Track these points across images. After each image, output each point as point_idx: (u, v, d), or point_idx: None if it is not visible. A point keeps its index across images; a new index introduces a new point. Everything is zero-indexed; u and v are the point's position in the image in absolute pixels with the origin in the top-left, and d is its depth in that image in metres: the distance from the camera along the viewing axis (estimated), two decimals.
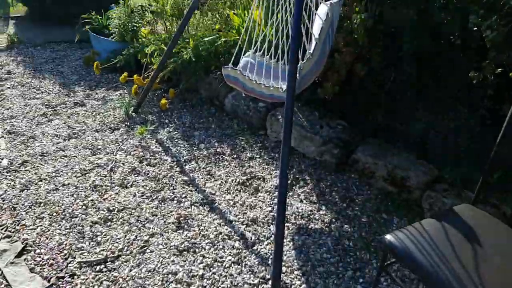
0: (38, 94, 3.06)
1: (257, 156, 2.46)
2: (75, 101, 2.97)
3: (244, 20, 2.91)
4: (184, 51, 2.99)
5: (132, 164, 2.31)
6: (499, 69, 2.03)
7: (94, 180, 2.15)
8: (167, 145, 2.52)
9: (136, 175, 2.22)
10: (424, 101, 2.51)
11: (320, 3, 1.92)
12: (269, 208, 2.03)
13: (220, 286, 1.61)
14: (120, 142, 2.52)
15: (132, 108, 2.88)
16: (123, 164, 2.30)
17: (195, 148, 2.50)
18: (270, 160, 2.43)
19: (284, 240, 1.68)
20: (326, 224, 1.97)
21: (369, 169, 2.24)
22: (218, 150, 2.50)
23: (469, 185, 2.15)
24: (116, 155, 2.38)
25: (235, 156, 2.45)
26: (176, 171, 2.27)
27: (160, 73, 2.79)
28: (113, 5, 3.81)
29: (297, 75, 1.80)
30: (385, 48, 2.44)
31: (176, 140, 2.58)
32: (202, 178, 2.24)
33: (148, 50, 3.04)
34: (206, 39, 3.08)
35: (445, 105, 2.47)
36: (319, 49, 1.76)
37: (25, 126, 2.62)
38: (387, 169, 2.16)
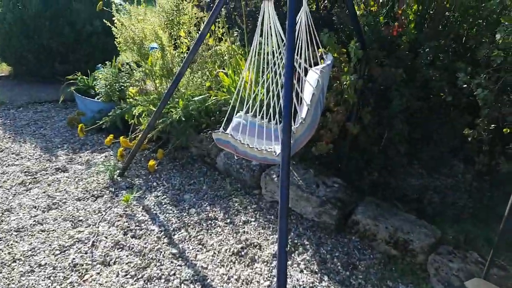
0: (17, 160, 2.96)
1: (252, 220, 2.35)
2: (57, 166, 2.88)
3: (234, 80, 2.94)
4: (174, 111, 2.98)
5: (116, 237, 2.17)
6: (492, 125, 2.04)
7: (74, 258, 2.00)
8: (154, 212, 2.41)
9: (120, 249, 2.08)
10: (418, 158, 2.49)
11: (309, 70, 1.94)
12: (267, 283, 1.89)
13: None
14: (103, 211, 2.40)
15: (118, 172, 2.79)
16: (106, 237, 2.17)
17: (185, 214, 2.39)
18: (266, 224, 2.32)
19: None
20: None
21: (370, 231, 2.15)
22: (210, 214, 2.39)
23: (472, 242, 2.08)
24: (98, 227, 2.25)
25: (228, 220, 2.34)
26: (164, 243, 2.14)
27: (148, 134, 2.74)
28: (100, 65, 3.86)
29: (291, 138, 1.77)
30: (376, 106, 2.46)
31: (164, 205, 2.47)
32: (192, 249, 2.11)
33: (135, 111, 3.02)
34: (196, 98, 3.09)
35: (440, 161, 2.45)
36: (311, 114, 1.75)
37: (1, 198, 2.49)
38: (389, 232, 2.08)
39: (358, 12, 2.89)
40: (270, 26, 1.70)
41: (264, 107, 2.04)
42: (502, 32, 1.84)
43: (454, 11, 2.54)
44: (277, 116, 2.01)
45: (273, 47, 1.79)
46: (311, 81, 1.83)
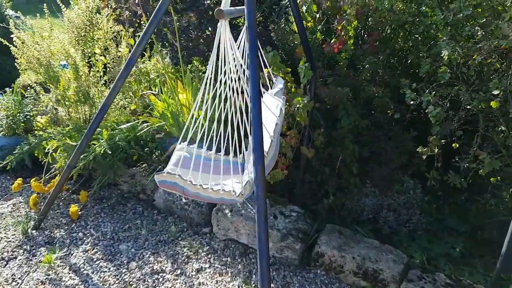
0: None
1: (206, 266, 2.10)
2: None
3: (169, 104, 2.67)
4: (97, 143, 2.60)
5: None
6: (443, 141, 2.09)
7: None
8: (85, 272, 2.03)
9: None
10: (370, 177, 2.48)
11: (264, 93, 1.79)
12: None
13: None
14: (19, 278, 1.95)
15: (32, 223, 2.33)
16: None
17: (124, 270, 2.05)
18: (223, 268, 2.09)
19: None
20: None
21: (337, 262, 2.06)
22: (155, 266, 2.08)
23: (434, 261, 2.11)
24: None
25: (178, 271, 2.06)
26: None
27: (69, 175, 2.33)
28: None
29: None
30: (326, 126, 2.41)
31: (97, 262, 2.10)
32: None
33: (49, 147, 2.57)
34: (123, 126, 2.75)
35: (391, 179, 2.47)
36: (274, 147, 1.61)
37: None
38: (356, 262, 2.01)
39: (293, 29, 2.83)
40: (226, 47, 1.52)
41: (227, 140, 1.80)
42: (449, 49, 1.87)
43: (389, 26, 2.61)
44: (237, 148, 1.80)
45: (230, 71, 1.61)
46: (272, 108, 1.68)
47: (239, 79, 1.59)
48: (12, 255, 2.12)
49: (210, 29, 2.87)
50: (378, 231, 2.36)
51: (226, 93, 1.62)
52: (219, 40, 1.51)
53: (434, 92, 2.02)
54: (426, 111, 2.02)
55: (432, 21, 2.21)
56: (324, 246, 2.08)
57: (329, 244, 2.08)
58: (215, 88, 1.61)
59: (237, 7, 1.51)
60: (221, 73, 1.59)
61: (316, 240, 2.13)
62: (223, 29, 1.47)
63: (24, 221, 2.31)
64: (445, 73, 1.97)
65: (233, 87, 1.60)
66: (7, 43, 2.89)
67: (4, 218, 2.39)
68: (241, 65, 1.56)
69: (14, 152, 2.72)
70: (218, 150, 1.80)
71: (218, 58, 1.55)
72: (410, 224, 2.35)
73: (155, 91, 2.99)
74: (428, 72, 2.17)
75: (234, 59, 1.54)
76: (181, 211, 2.48)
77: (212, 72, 1.56)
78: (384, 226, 2.40)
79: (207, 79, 1.57)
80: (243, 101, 1.60)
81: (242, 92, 1.61)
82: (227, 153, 1.82)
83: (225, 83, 1.60)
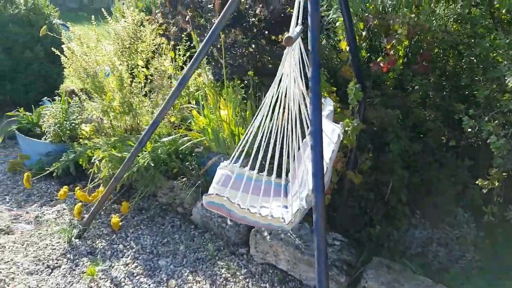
0: None
1: None
2: None
3: (211, 119, 2.71)
4: (140, 155, 2.68)
5: None
6: (504, 174, 1.99)
7: None
8: (126, 286, 2.08)
9: None
10: (420, 206, 2.40)
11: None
12: None
13: None
14: None
15: (76, 231, 2.42)
16: None
17: None
18: None
19: None
20: None
21: None
22: (194, 287, 2.10)
23: None
24: None
25: None
26: None
27: (115, 187, 2.41)
28: (45, 98, 3.45)
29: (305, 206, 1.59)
30: (374, 150, 2.36)
31: (137, 277, 2.15)
32: None
33: (96, 157, 2.67)
34: (165, 139, 2.82)
35: (443, 210, 2.37)
36: (329, 174, 1.59)
37: None
38: None
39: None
40: (288, 73, 1.55)
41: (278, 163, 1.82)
42: None
43: (438, 47, 2.55)
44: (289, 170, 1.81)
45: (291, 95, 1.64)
46: (327, 132, 1.68)
47: (298, 103, 1.60)
48: (56, 263, 2.22)
49: (253, 46, 2.90)
50: (426, 267, 2.27)
51: (285, 116, 1.64)
52: (284, 64, 1.54)
53: (496, 121, 1.94)
54: (488, 141, 1.94)
55: (495, 44, 2.13)
56: (371, 282, 2.01)
57: (377, 280, 2.01)
58: (273, 111, 1.64)
59: (297, 30, 1.52)
60: (281, 94, 1.62)
61: (362, 274, 2.07)
62: (290, 56, 1.49)
63: (68, 229, 2.40)
64: (510, 101, 1.89)
65: (291, 111, 1.61)
66: (58, 53, 3.03)
67: (49, 225, 2.50)
68: (303, 93, 1.57)
69: (60, 159, 2.86)
70: (267, 171, 1.81)
71: (280, 81, 1.58)
72: (462, 261, 2.25)
73: (194, 104, 3.06)
74: (487, 97, 2.09)
75: (295, 86, 1.56)
76: (218, 228, 2.50)
77: (274, 96, 1.59)
78: (434, 261, 2.30)
79: (268, 102, 1.60)
80: (299, 123, 1.61)
81: (300, 115, 1.61)
82: (277, 175, 1.83)
83: (284, 107, 1.62)
